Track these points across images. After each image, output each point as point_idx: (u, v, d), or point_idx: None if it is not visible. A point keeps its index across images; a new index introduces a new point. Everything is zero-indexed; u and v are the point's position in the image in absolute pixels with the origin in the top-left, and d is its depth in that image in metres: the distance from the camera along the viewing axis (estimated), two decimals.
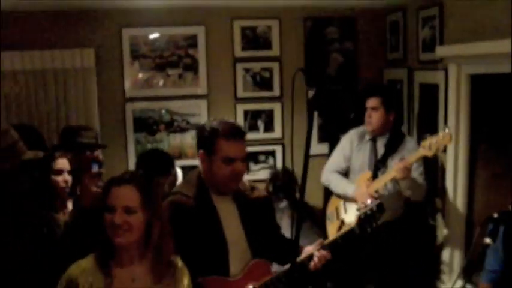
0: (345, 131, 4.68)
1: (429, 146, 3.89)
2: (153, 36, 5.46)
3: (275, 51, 5.68)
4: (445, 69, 4.48)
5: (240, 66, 5.63)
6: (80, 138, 4.01)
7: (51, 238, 2.98)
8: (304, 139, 2.30)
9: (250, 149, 5.64)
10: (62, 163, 3.45)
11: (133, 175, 2.52)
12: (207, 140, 2.81)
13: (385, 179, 4.15)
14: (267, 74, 5.69)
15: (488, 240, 2.73)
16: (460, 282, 3.75)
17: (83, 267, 2.38)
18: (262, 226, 2.94)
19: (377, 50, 5.78)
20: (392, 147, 4.34)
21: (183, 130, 5.56)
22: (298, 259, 2.79)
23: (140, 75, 5.49)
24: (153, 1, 4.79)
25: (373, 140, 4.43)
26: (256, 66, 5.66)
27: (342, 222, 4.32)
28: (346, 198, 4.36)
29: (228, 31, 5.58)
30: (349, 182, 4.41)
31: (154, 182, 2.77)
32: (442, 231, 4.61)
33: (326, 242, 2.89)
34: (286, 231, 3.29)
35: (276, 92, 5.71)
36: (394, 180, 4.14)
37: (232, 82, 5.64)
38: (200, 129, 2.89)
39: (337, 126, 5.22)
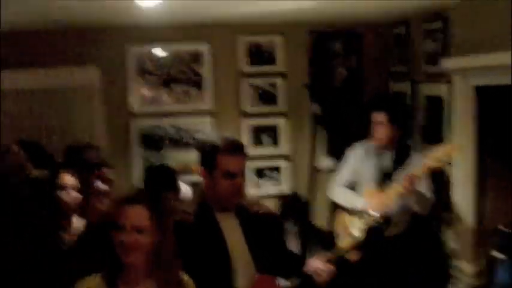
0: (351, 145, 4.66)
1: (435, 158, 3.87)
2: (158, 52, 5.48)
3: (280, 66, 5.69)
4: (449, 82, 4.47)
5: (245, 82, 5.64)
6: (83, 156, 4.01)
7: (56, 254, 2.97)
8: (310, 154, 2.29)
9: (256, 164, 5.65)
10: (67, 179, 3.45)
11: (143, 194, 2.51)
12: (208, 156, 2.82)
13: (392, 193, 4.12)
14: (272, 89, 5.69)
15: (498, 255, 2.70)
16: None
17: (90, 285, 2.35)
18: (266, 240, 2.94)
19: (382, 63, 5.78)
20: (398, 161, 4.32)
21: (188, 146, 5.54)
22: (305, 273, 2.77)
23: (145, 92, 5.51)
24: (157, 18, 4.81)
25: (379, 154, 4.41)
26: (261, 82, 5.67)
27: (351, 237, 4.29)
28: (354, 212, 4.34)
29: (233, 47, 5.60)
30: (358, 195, 4.38)
31: (162, 198, 2.77)
32: (450, 244, 4.58)
33: (332, 255, 2.88)
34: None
35: (282, 107, 5.70)
36: (401, 194, 4.12)
37: (237, 97, 5.64)
38: (200, 146, 2.90)
39: (344, 140, 5.21)
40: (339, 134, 5.53)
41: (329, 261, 2.84)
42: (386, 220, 2.90)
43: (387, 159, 4.37)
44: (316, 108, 5.32)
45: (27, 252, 2.78)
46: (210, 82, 5.58)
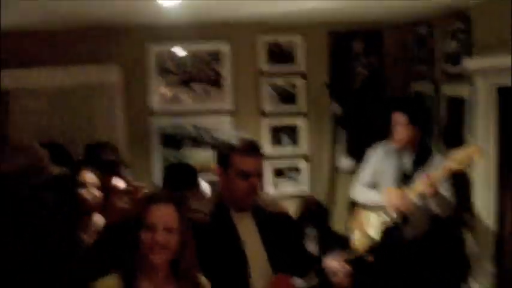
0: (372, 145, 4.64)
1: (457, 160, 3.83)
2: (178, 52, 5.49)
3: (300, 65, 5.67)
4: (471, 83, 4.43)
5: (264, 81, 5.63)
6: (102, 155, 4.03)
7: (73, 255, 2.97)
8: (330, 154, 2.28)
9: (275, 164, 5.65)
10: (88, 177, 3.47)
11: (169, 193, 2.52)
12: (223, 155, 2.82)
13: (412, 194, 4.09)
14: (292, 89, 5.68)
15: None
16: None
17: (108, 287, 2.35)
18: (282, 241, 2.92)
19: (402, 63, 5.73)
20: (419, 162, 4.29)
21: (208, 145, 5.54)
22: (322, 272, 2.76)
23: (165, 91, 5.52)
24: (178, 17, 4.82)
25: (400, 155, 4.39)
26: (281, 81, 5.66)
27: (367, 237, 4.27)
28: (372, 210, 4.31)
29: (253, 46, 5.59)
30: (378, 193, 4.35)
31: (182, 197, 2.78)
32: (470, 246, 4.53)
33: (349, 256, 2.86)
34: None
35: (301, 106, 5.69)
36: (421, 196, 4.09)
37: (257, 97, 5.64)
38: (217, 145, 2.90)
39: (365, 141, 5.18)
40: (359, 135, 5.50)
41: (345, 261, 2.82)
42: (404, 220, 2.87)
43: (408, 160, 4.35)
44: (336, 108, 5.31)
45: (45, 250, 2.78)
46: (230, 81, 5.58)
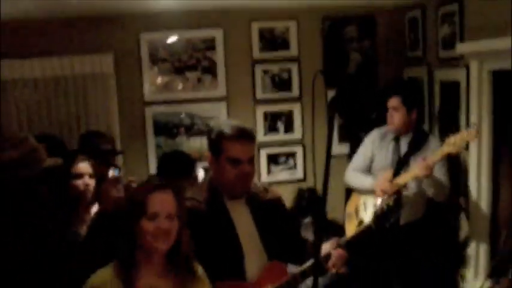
0: (366, 130, 4.63)
1: (453, 143, 3.83)
2: (171, 39, 5.46)
3: (293, 51, 5.65)
4: (466, 66, 4.43)
5: (258, 68, 5.61)
6: (96, 144, 4.01)
7: (68, 249, 2.96)
8: (325, 140, 2.26)
9: (270, 150, 5.65)
10: (82, 167, 3.46)
11: (165, 181, 2.50)
12: (214, 141, 2.79)
13: (407, 177, 4.10)
14: (285, 75, 5.66)
15: None
16: (487, 284, 3.71)
17: (104, 278, 2.32)
18: (277, 227, 2.92)
19: (396, 48, 5.72)
20: (415, 146, 4.29)
21: (203, 133, 5.52)
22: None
23: (159, 79, 5.50)
24: (170, 5, 4.79)
25: (396, 139, 4.39)
26: (274, 68, 5.64)
27: (361, 222, 4.28)
28: (366, 193, 4.31)
29: (246, 33, 5.57)
30: (371, 177, 4.36)
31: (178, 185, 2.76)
32: (465, 230, 4.55)
33: (342, 240, 2.86)
34: None
35: (295, 92, 5.68)
36: (417, 180, 4.10)
37: (251, 84, 5.62)
38: (208, 132, 2.88)
39: (359, 126, 5.18)
40: (354, 120, 5.50)
41: (339, 245, 2.82)
42: (397, 204, 2.86)
43: (404, 145, 4.35)
44: (330, 95, 5.30)
45: (40, 245, 2.77)
46: (224, 68, 5.56)
